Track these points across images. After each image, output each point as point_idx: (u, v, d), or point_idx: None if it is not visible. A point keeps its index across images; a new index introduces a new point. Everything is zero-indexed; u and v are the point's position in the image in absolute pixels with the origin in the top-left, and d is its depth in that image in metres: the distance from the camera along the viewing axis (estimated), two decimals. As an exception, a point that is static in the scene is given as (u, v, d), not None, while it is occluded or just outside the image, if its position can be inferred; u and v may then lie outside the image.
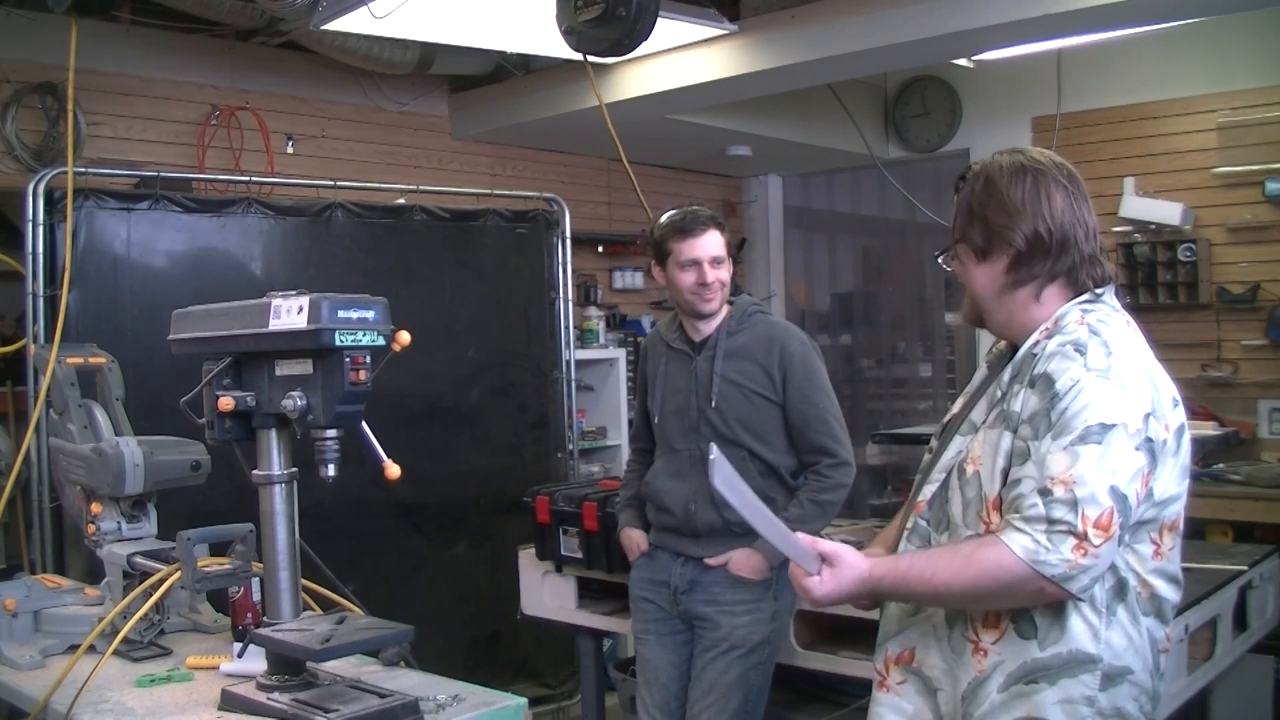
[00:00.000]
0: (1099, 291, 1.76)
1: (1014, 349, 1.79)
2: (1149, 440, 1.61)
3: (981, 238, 1.78)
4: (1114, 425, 1.58)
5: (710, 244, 2.88)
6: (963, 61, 5.61)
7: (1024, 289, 1.77)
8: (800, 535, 1.72)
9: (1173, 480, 1.68)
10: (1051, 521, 1.55)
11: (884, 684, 1.86)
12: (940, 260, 1.89)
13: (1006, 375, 1.76)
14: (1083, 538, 1.54)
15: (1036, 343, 1.72)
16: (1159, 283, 5.29)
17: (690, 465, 2.91)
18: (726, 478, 1.63)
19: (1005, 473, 1.67)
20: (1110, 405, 1.59)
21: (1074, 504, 1.54)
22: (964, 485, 1.74)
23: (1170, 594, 1.72)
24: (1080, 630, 1.64)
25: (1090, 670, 1.64)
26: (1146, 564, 1.68)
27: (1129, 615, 1.67)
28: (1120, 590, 1.65)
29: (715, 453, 1.64)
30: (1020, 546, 1.55)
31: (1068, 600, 1.61)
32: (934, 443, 1.90)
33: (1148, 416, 1.62)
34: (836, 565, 1.69)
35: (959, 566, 1.61)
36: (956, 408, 1.90)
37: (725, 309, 2.96)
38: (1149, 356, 1.71)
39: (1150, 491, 1.63)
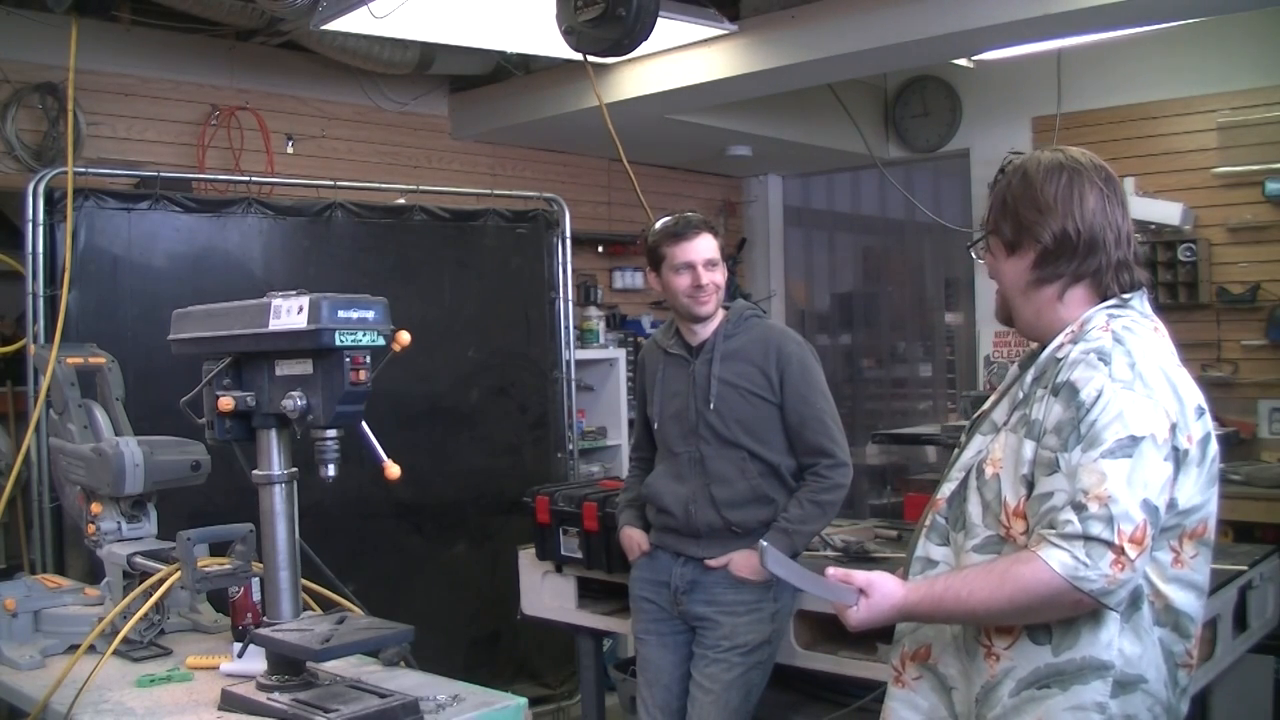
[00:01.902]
0: (1127, 297, 1.75)
1: (1043, 349, 1.78)
2: (1175, 450, 1.61)
3: (1011, 231, 1.78)
4: (1143, 438, 1.58)
5: (703, 247, 2.89)
6: (963, 61, 5.60)
7: (1048, 287, 1.77)
8: (836, 574, 1.77)
9: (1196, 490, 1.67)
10: (1089, 538, 1.54)
11: (900, 679, 1.87)
12: (972, 251, 1.90)
13: (1029, 376, 1.75)
14: (1120, 552, 1.54)
15: (1060, 346, 1.72)
16: (1159, 283, 5.28)
17: (690, 467, 2.91)
18: (777, 559, 1.79)
19: (1027, 481, 1.67)
20: (1138, 417, 1.59)
21: (1110, 520, 1.54)
22: (983, 487, 1.74)
23: (1190, 605, 1.70)
24: (1093, 637, 1.64)
25: (1102, 677, 1.63)
26: (1165, 571, 1.67)
27: (1141, 625, 1.66)
28: (1134, 599, 1.64)
29: (765, 544, 1.80)
30: (1059, 563, 1.55)
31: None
32: (964, 438, 1.90)
33: (1174, 427, 1.62)
34: (872, 595, 1.73)
35: (994, 585, 1.61)
36: (988, 405, 1.89)
37: (721, 313, 2.97)
38: (1174, 365, 1.70)
39: (1174, 501, 1.63)
